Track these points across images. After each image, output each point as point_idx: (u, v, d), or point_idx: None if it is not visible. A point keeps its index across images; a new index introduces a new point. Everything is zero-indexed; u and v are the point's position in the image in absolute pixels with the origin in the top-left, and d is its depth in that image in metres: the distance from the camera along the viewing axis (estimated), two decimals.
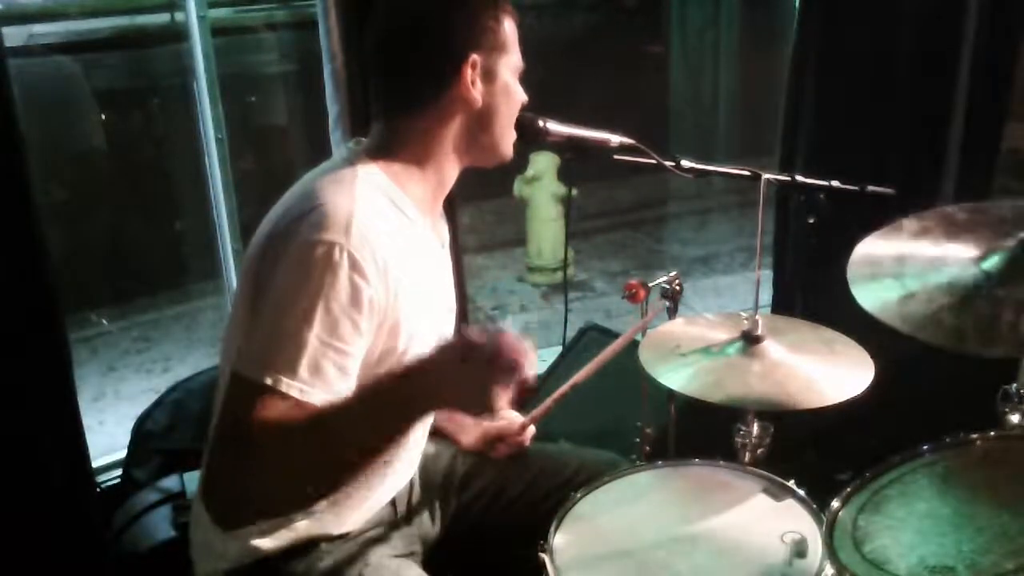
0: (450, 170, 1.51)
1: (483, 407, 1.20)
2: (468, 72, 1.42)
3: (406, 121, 1.45)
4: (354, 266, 1.27)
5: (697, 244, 5.56)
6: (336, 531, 1.52)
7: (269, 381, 1.22)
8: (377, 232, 1.32)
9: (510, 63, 1.48)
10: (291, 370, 1.23)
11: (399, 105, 1.46)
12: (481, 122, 1.47)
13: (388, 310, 1.34)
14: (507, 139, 1.52)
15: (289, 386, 1.23)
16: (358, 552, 1.52)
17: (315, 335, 1.25)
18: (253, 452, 1.20)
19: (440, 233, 1.57)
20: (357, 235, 1.28)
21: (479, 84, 1.44)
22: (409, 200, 1.44)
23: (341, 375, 1.27)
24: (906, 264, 1.56)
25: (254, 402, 1.22)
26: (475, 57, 1.42)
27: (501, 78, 1.47)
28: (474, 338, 1.17)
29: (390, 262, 1.32)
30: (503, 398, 1.20)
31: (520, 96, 1.53)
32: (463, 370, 1.18)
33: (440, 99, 1.44)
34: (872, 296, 1.51)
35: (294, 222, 1.32)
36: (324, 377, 1.25)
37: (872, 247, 1.63)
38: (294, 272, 1.27)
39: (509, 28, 1.47)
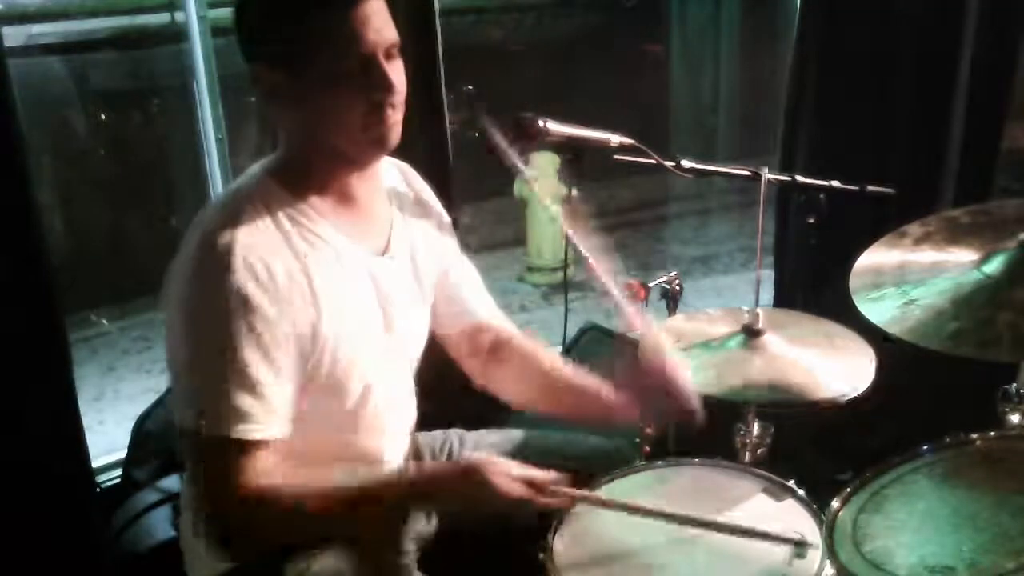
0: (333, 169, 1.43)
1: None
2: (265, 78, 1.36)
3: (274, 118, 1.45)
4: (245, 302, 1.28)
5: (697, 244, 5.56)
6: None
7: (204, 431, 1.28)
8: (266, 256, 1.32)
9: (337, 58, 1.32)
10: (214, 414, 1.28)
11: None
12: (312, 125, 1.37)
13: (296, 328, 1.34)
14: (354, 137, 1.38)
15: (214, 428, 1.28)
16: (351, 553, 1.52)
17: (232, 378, 1.28)
18: (242, 512, 1.29)
19: (377, 240, 1.50)
20: (239, 262, 1.29)
21: (288, 86, 1.34)
22: (313, 212, 1.41)
23: (259, 402, 1.30)
24: (907, 271, 1.56)
25: (207, 456, 1.31)
26: (264, 64, 1.35)
27: (318, 76, 1.33)
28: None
29: (291, 281, 1.33)
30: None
31: (369, 90, 1.35)
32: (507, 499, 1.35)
33: (262, 89, 1.38)
34: (874, 305, 1.51)
35: (182, 263, 1.34)
36: (243, 412, 1.29)
37: (874, 256, 1.63)
38: (190, 315, 1.31)
39: (325, 25, 1.31)
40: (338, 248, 1.43)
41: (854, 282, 1.57)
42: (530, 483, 1.37)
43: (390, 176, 1.61)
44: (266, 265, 1.31)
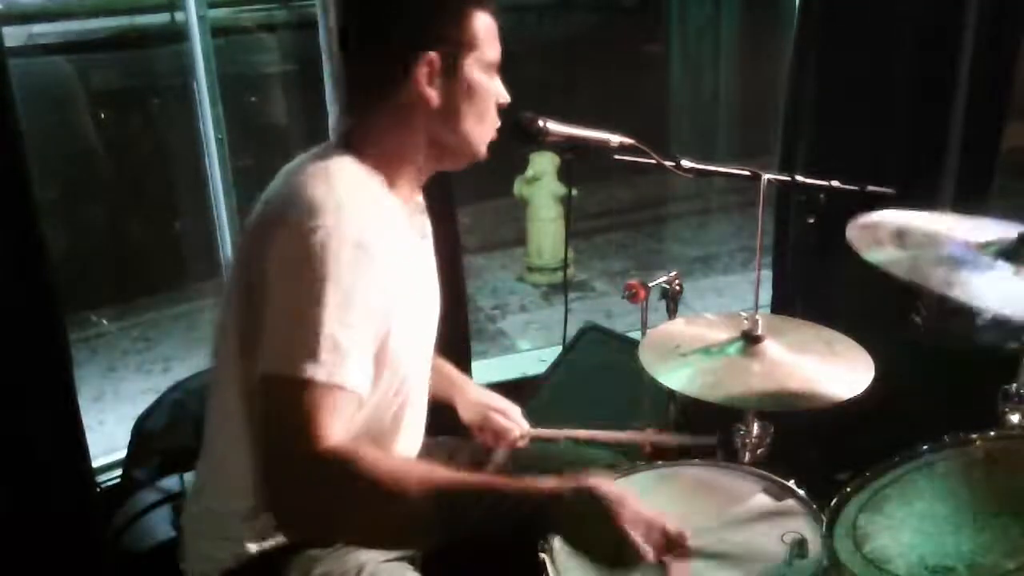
0: (418, 164, 1.48)
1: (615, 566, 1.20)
2: (423, 70, 1.38)
3: (366, 117, 1.44)
4: (351, 243, 1.26)
5: (697, 244, 5.57)
6: None
7: (300, 374, 1.19)
8: (363, 214, 1.31)
9: (481, 59, 1.42)
10: (313, 356, 1.20)
11: (358, 100, 1.45)
12: (443, 122, 1.43)
13: (379, 287, 1.32)
14: (477, 140, 1.47)
15: (314, 370, 1.20)
16: (352, 556, 1.50)
17: (331, 317, 1.22)
18: (327, 464, 1.17)
19: (419, 225, 1.55)
20: (347, 216, 1.28)
21: (438, 82, 1.39)
22: (383, 188, 1.43)
23: (361, 355, 1.26)
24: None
25: (296, 400, 1.19)
26: (432, 55, 1.38)
27: (466, 76, 1.41)
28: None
29: (375, 240, 1.32)
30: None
31: (499, 95, 1.47)
32: (620, 540, 1.18)
33: (397, 96, 1.40)
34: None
35: (282, 215, 1.31)
36: (347, 356, 1.23)
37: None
38: (295, 263, 1.26)
39: (480, 23, 1.41)
40: (405, 232, 1.46)
41: None
42: (655, 533, 1.21)
43: None
44: (361, 220, 1.30)
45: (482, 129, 1.46)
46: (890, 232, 1.58)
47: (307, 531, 1.28)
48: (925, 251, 1.54)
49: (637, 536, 1.19)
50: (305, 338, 1.22)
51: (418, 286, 1.50)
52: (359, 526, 1.22)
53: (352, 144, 1.44)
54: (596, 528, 1.20)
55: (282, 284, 1.27)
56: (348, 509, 1.20)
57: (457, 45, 1.40)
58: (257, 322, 1.28)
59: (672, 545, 1.24)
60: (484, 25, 1.42)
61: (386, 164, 1.44)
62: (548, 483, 1.23)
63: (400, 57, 1.39)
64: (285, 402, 1.21)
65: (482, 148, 1.48)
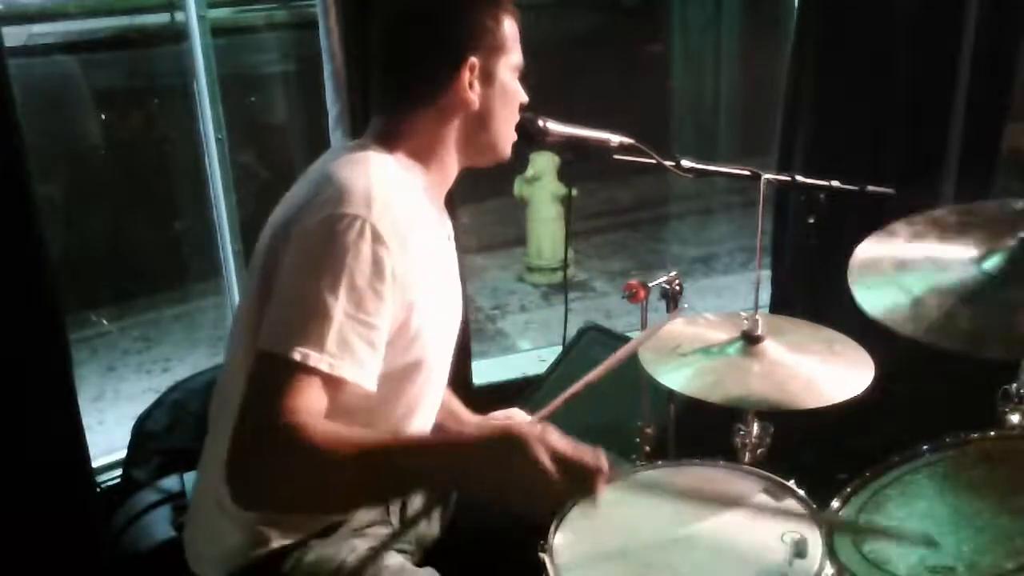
0: (451, 167, 1.51)
1: (544, 509, 1.26)
2: (466, 75, 1.43)
3: (406, 118, 1.46)
4: (376, 238, 1.26)
5: (697, 244, 5.57)
6: (329, 522, 1.51)
7: (297, 357, 1.19)
8: (395, 206, 1.31)
9: (509, 63, 1.48)
10: (318, 344, 1.21)
11: (398, 103, 1.47)
12: (479, 123, 1.48)
13: (407, 283, 1.32)
14: (506, 139, 1.52)
15: (318, 360, 1.20)
16: (351, 550, 1.51)
17: (341, 309, 1.23)
18: (282, 436, 1.16)
19: (445, 225, 1.57)
20: (378, 207, 1.28)
21: (477, 86, 1.44)
22: (417, 186, 1.45)
23: (369, 349, 1.26)
24: (906, 268, 1.55)
25: (283, 379, 1.19)
26: (473, 60, 1.43)
27: (500, 79, 1.47)
28: (573, 455, 1.19)
29: (407, 236, 1.32)
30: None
31: (520, 96, 1.53)
32: (544, 478, 1.17)
33: (438, 100, 1.44)
34: (877, 303, 1.50)
35: (312, 203, 1.31)
36: (352, 351, 1.23)
37: (868, 252, 1.62)
38: (316, 247, 1.26)
39: (509, 27, 1.47)
40: (435, 231, 1.48)
41: (853, 281, 1.56)
42: (569, 467, 1.19)
43: None
44: (394, 212, 1.30)
45: (509, 129, 1.52)
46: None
47: (257, 502, 1.24)
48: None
49: (550, 473, 1.17)
50: (314, 326, 1.22)
51: (443, 286, 1.50)
52: (303, 496, 1.22)
53: (388, 142, 1.45)
54: (521, 471, 1.17)
55: (300, 267, 1.27)
56: (295, 481, 1.18)
57: (493, 50, 1.45)
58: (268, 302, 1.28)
59: (594, 475, 1.22)
60: (512, 29, 1.48)
61: (422, 164, 1.47)
62: (470, 435, 1.33)
63: (447, 62, 1.43)
64: (282, 384, 1.19)
65: (509, 148, 1.54)
